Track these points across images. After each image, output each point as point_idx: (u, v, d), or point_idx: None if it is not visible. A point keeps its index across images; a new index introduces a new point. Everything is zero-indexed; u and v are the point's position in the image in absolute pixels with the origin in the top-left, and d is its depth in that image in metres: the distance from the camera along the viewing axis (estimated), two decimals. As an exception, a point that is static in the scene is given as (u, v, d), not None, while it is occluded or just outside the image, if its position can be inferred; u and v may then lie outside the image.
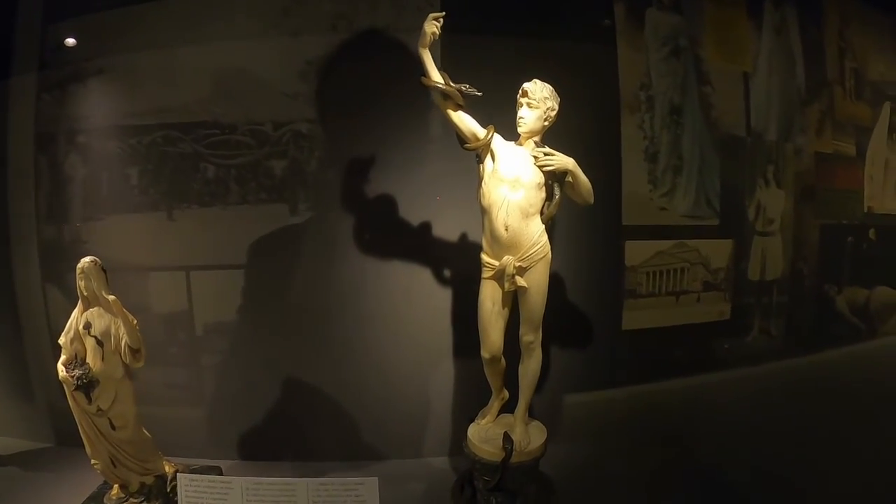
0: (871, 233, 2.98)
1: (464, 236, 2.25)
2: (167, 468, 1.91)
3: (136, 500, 1.84)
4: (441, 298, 2.27)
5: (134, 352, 1.75)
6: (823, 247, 2.81)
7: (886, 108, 3.02)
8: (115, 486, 1.87)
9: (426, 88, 1.60)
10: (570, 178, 1.64)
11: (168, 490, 1.88)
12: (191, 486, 1.53)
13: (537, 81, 1.65)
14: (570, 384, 2.40)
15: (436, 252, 2.25)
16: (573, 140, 2.25)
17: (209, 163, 2.19)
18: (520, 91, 1.64)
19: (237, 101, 2.18)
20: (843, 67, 2.89)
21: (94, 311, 1.76)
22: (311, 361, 2.28)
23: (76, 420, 1.78)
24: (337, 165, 2.17)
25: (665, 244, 2.42)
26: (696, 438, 2.36)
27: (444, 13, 1.57)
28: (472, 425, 1.84)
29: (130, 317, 1.77)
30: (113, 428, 1.78)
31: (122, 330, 1.73)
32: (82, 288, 1.73)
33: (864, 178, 2.93)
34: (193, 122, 2.20)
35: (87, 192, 2.35)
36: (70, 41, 2.30)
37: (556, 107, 1.66)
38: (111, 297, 1.73)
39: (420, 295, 2.26)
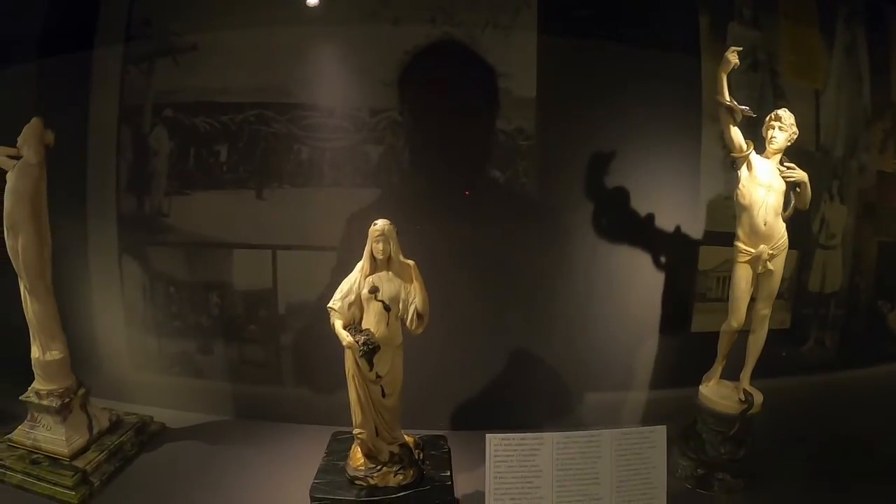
0: (926, 253, 3.05)
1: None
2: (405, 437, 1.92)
3: (390, 469, 1.81)
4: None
5: (420, 317, 1.70)
6: (880, 263, 2.88)
7: (946, 132, 3.09)
8: (359, 457, 1.84)
9: (719, 105, 1.90)
10: (799, 189, 1.93)
11: (417, 457, 1.88)
12: (501, 445, 1.55)
13: (786, 110, 1.95)
14: (634, 382, 2.45)
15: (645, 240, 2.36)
16: (658, 145, 2.35)
17: (304, 144, 2.22)
18: (773, 115, 1.96)
19: (336, 86, 2.22)
20: (908, 89, 2.97)
21: (381, 275, 1.71)
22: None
23: (351, 388, 1.74)
24: (432, 155, 2.21)
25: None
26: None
27: (740, 48, 1.88)
28: (702, 386, 2.10)
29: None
30: (383, 395, 1.75)
31: (414, 295, 1.69)
32: (380, 251, 1.67)
33: (921, 198, 3.01)
34: (289, 103, 2.24)
35: (172, 166, 2.38)
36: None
37: (797, 131, 1.95)
38: (411, 262, 1.70)
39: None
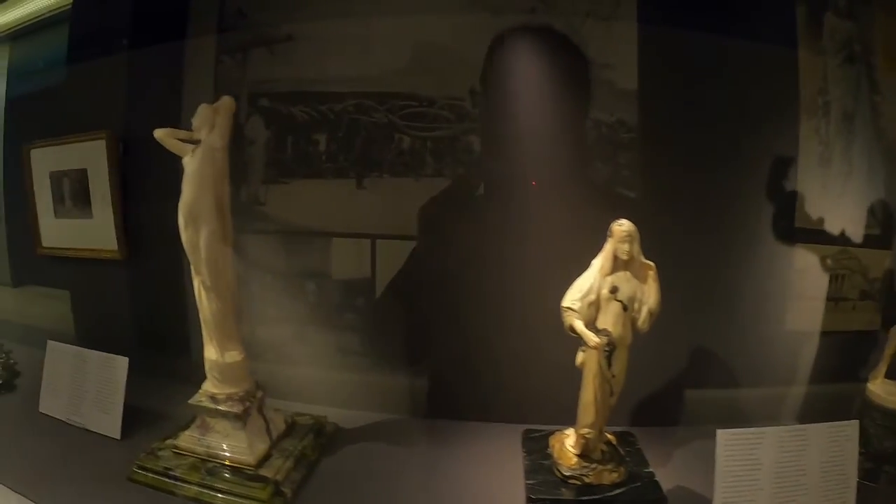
0: None
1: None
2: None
3: (604, 467, 1.81)
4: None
5: (651, 317, 1.71)
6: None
7: None
8: (570, 455, 1.84)
9: None
10: None
11: (622, 453, 1.90)
12: (730, 440, 1.62)
13: None
14: (724, 380, 2.43)
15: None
16: (756, 137, 2.32)
17: (405, 134, 2.24)
18: None
19: (435, 75, 2.22)
20: None
21: (621, 275, 1.71)
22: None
23: (589, 388, 1.73)
24: (533, 145, 2.21)
25: (830, 249, 2.44)
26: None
27: None
28: (869, 383, 2.14)
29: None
30: (611, 394, 1.77)
31: (650, 296, 1.70)
32: (625, 251, 1.67)
33: None
34: (389, 92, 2.25)
35: (269, 155, 2.42)
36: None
37: None
38: (651, 263, 1.71)
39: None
